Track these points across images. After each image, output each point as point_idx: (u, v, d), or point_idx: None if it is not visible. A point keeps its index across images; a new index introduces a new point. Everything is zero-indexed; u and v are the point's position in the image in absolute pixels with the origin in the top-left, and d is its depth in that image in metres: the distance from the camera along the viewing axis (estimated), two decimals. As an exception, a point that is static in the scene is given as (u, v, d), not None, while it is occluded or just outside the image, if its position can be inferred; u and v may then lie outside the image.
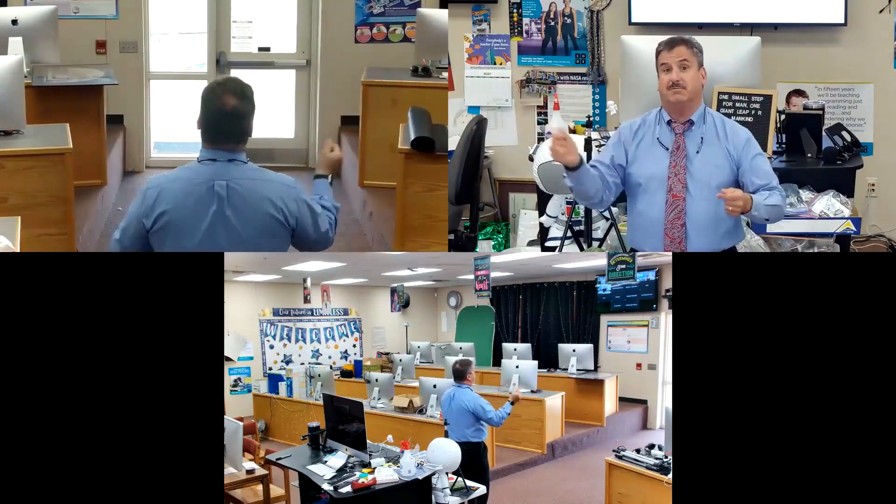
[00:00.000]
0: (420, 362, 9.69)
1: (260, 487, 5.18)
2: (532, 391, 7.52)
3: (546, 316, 10.49)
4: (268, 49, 7.53)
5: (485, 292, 7.96)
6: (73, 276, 2.98)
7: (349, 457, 4.61)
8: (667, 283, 8.56)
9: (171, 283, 3.01)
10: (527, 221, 6.30)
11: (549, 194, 5.15)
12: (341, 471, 4.39)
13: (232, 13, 7.42)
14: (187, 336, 3.00)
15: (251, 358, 10.02)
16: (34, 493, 2.93)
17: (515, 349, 8.78)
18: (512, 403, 5.21)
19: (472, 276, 7.99)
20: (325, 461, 4.64)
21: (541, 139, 5.58)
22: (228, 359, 9.60)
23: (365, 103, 6.45)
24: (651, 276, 8.80)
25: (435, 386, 6.75)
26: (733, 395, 2.97)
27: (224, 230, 3.23)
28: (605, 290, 9.49)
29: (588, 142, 4.72)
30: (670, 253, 3.58)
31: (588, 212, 4.84)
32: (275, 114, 7.65)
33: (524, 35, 6.04)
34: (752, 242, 4.61)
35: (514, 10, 6.03)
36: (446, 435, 4.92)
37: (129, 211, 3.30)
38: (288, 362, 10.39)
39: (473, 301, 11.27)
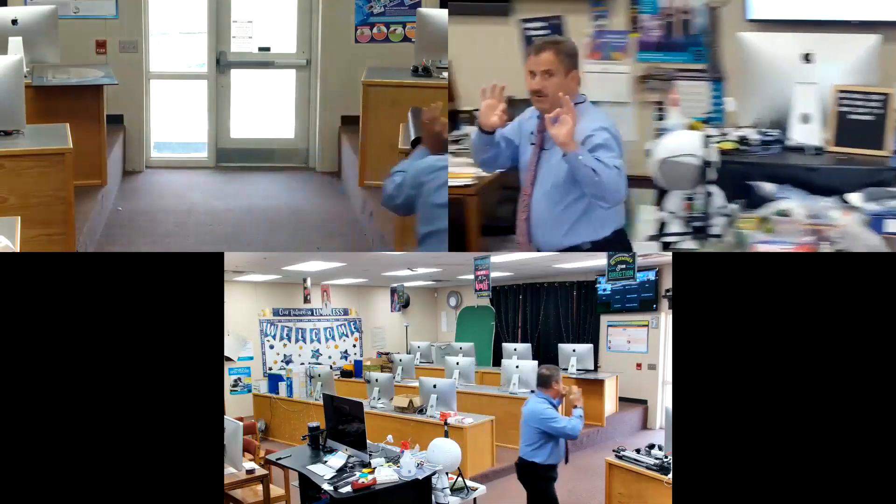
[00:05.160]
0: (420, 362, 9.69)
1: (260, 487, 5.18)
2: (532, 391, 7.52)
3: (546, 316, 10.49)
4: (268, 49, 7.53)
5: (485, 292, 7.95)
6: (73, 276, 2.98)
7: (349, 457, 4.61)
8: (667, 283, 8.56)
9: (171, 283, 3.01)
10: (644, 217, 6.24)
11: (667, 190, 5.14)
12: (341, 471, 4.40)
13: (232, 13, 7.42)
14: (187, 336, 3.00)
15: (251, 358, 10.02)
16: (35, 493, 2.93)
17: (515, 349, 8.78)
18: (577, 406, 4.60)
19: (472, 276, 7.99)
20: (325, 461, 4.64)
21: (659, 135, 5.55)
22: (228, 359, 9.60)
23: (365, 103, 6.45)
24: (651, 276, 8.80)
25: (435, 386, 6.75)
26: (733, 395, 2.97)
27: None
28: (605, 290, 9.49)
29: (706, 139, 4.71)
30: (670, 253, 3.58)
31: (706, 208, 4.83)
32: (275, 114, 7.65)
33: (642, 31, 6.00)
34: (872, 241, 4.55)
35: (633, 7, 6.00)
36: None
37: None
38: (288, 362, 10.39)
39: (473, 301, 11.27)
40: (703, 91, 6.11)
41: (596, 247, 3.81)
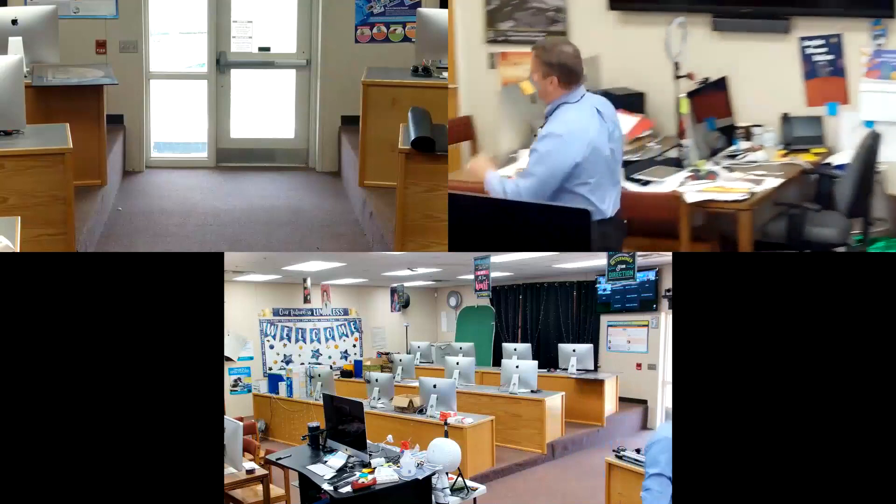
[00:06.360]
0: (420, 362, 9.69)
1: (260, 487, 5.18)
2: (532, 391, 7.52)
3: (546, 316, 10.49)
4: (268, 49, 7.53)
5: (485, 292, 7.96)
6: (73, 276, 2.98)
7: (349, 457, 4.61)
8: (667, 283, 8.56)
9: (171, 283, 3.01)
10: (905, 241, 6.11)
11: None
12: (341, 471, 4.40)
13: (232, 13, 7.42)
14: (187, 336, 3.00)
15: (251, 358, 10.02)
16: (34, 494, 2.93)
17: (515, 349, 8.78)
18: None
19: (472, 276, 7.99)
20: (325, 461, 4.64)
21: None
22: (228, 359, 9.60)
23: (365, 103, 6.44)
24: (651, 276, 8.80)
25: (435, 386, 6.75)
26: (733, 395, 2.97)
27: None
28: (605, 290, 9.49)
29: None
30: (670, 253, 3.59)
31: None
32: (275, 114, 7.65)
33: None
34: None
35: None
36: None
37: None
38: (288, 362, 10.40)
39: (473, 301, 11.27)
40: (980, 113, 5.92)
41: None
